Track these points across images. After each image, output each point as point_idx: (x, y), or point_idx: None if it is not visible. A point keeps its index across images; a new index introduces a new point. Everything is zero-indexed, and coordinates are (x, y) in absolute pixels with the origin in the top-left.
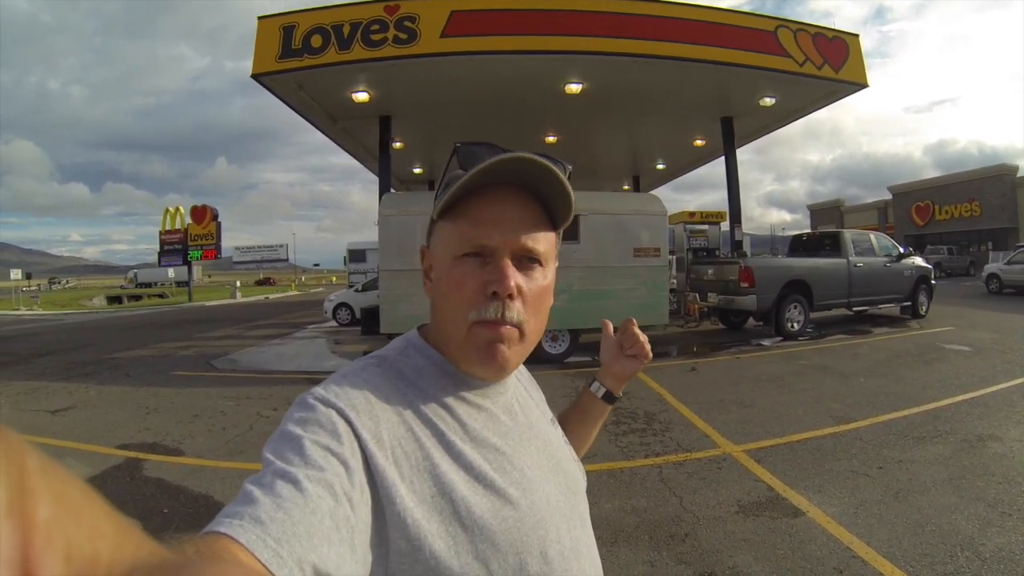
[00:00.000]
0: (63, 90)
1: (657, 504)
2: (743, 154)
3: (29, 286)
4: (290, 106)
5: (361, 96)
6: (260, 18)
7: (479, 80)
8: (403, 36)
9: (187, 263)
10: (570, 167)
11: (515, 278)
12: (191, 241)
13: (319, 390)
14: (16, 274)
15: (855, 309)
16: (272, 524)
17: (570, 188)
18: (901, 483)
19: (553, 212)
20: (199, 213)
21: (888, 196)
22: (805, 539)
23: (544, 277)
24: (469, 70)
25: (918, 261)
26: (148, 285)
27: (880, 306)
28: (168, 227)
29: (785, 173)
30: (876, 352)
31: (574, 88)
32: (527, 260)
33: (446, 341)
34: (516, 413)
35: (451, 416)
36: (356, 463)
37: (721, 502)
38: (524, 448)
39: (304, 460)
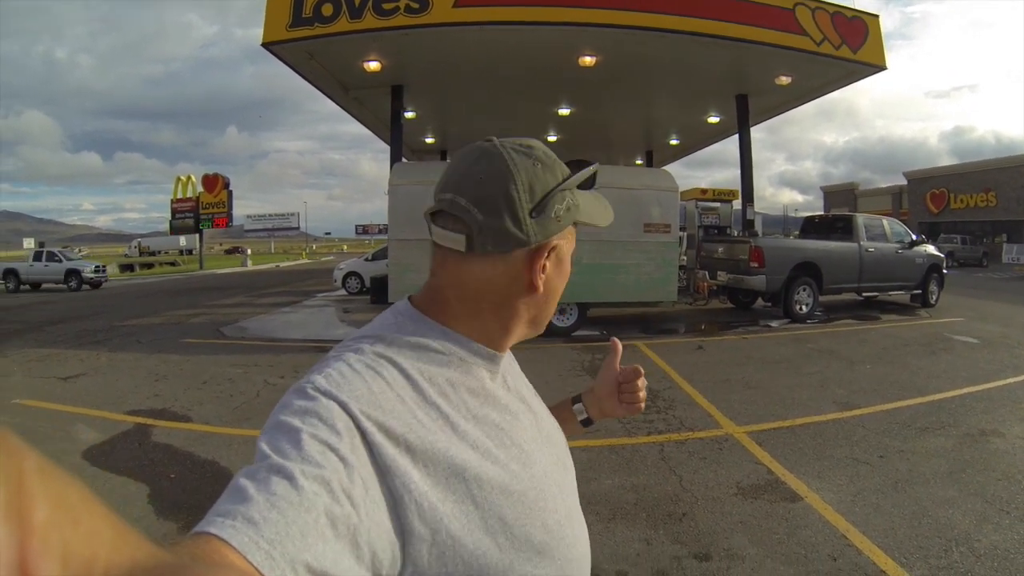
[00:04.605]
0: (71, 59)
1: (657, 482)
2: (755, 132)
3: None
4: (301, 75)
5: (373, 65)
6: None
7: (492, 50)
8: (415, 5)
9: (199, 231)
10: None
11: None
12: (203, 209)
13: (320, 379)
14: (29, 243)
15: (865, 294)
16: (265, 525)
17: None
18: (901, 473)
19: None
20: (211, 182)
21: (903, 181)
22: (801, 524)
23: None
24: (482, 40)
25: (930, 249)
26: (153, 253)
27: (890, 293)
28: (180, 195)
29: (798, 153)
30: (884, 339)
31: (588, 60)
32: None
33: (517, 328)
34: (510, 387)
35: (453, 394)
36: (357, 459)
37: (721, 483)
38: (519, 422)
39: (301, 455)
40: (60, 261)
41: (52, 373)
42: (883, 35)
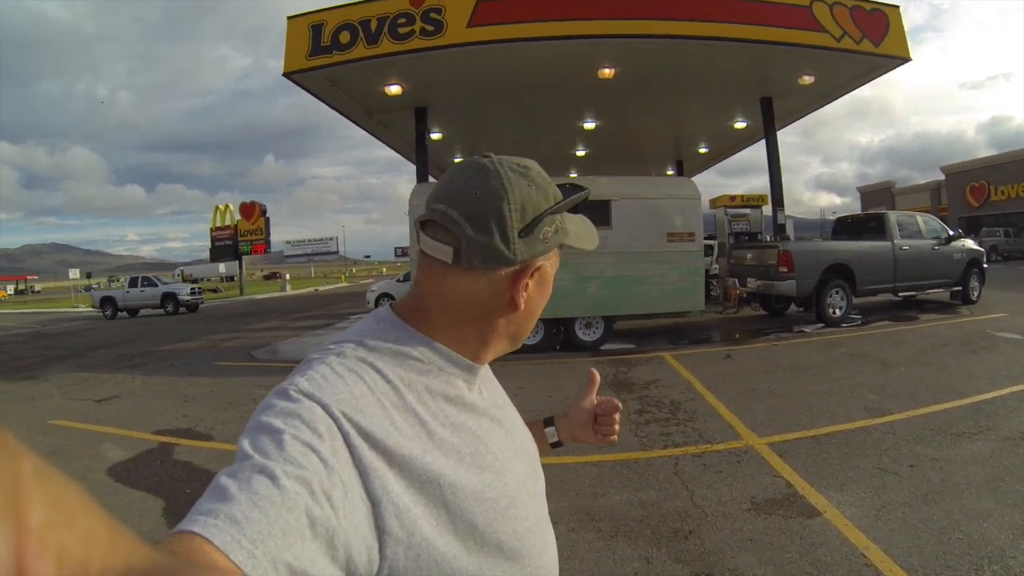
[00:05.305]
0: (112, 96)
1: (666, 497)
2: (789, 136)
3: (90, 285)
4: (325, 102)
5: (394, 89)
6: (289, 18)
7: (510, 68)
8: (429, 28)
9: (238, 258)
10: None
11: None
12: (241, 237)
13: (303, 382)
14: (74, 273)
15: (901, 294)
16: (248, 524)
17: None
18: (932, 484)
19: None
20: (248, 209)
21: (941, 177)
22: (817, 542)
23: None
24: (499, 59)
25: (969, 244)
26: (195, 281)
27: (928, 291)
28: (219, 224)
29: (833, 155)
30: (921, 339)
31: (607, 72)
32: None
33: (497, 343)
34: (485, 396)
35: (431, 401)
36: (337, 462)
37: (734, 498)
38: (494, 431)
39: (283, 455)
40: (155, 285)
41: (88, 395)
42: (910, 28)
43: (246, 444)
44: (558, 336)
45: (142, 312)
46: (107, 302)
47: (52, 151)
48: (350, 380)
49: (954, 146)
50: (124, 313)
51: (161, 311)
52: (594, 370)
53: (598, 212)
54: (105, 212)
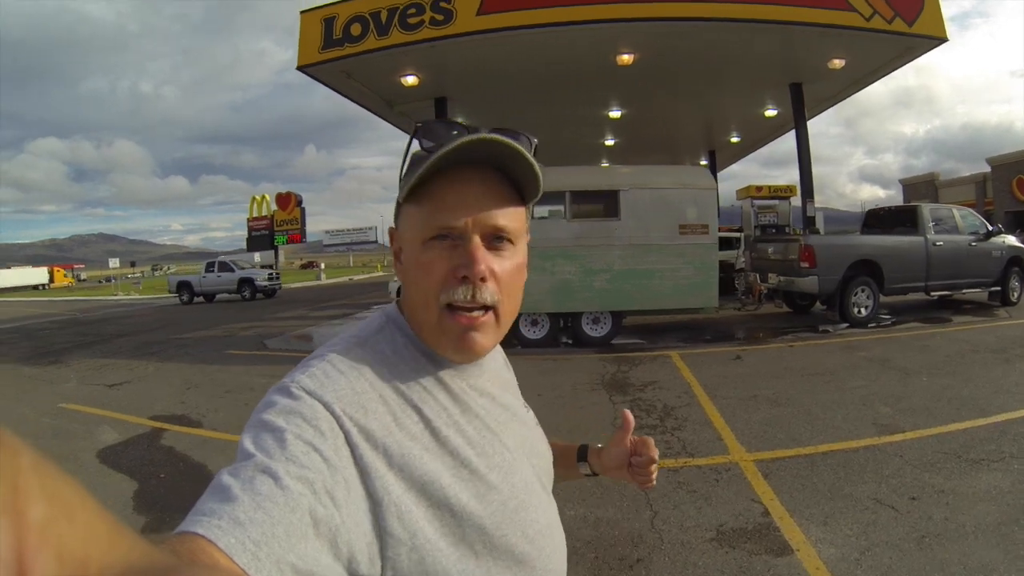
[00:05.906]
0: (156, 91)
1: (625, 517)
2: (832, 127)
3: (133, 273)
4: (343, 94)
5: (411, 80)
6: (302, 12)
7: (526, 56)
8: (439, 17)
9: (274, 247)
10: (535, 140)
11: (485, 260)
12: (277, 227)
13: (304, 379)
14: (115, 263)
15: (935, 294)
16: (251, 525)
17: (537, 164)
18: (933, 523)
19: (521, 188)
20: (284, 199)
21: (987, 169)
22: None
23: (515, 254)
24: (512, 47)
25: (1010, 240)
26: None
27: (964, 291)
28: (255, 214)
29: (876, 146)
30: (950, 345)
31: (626, 59)
32: (496, 239)
33: (419, 325)
34: (494, 395)
35: (434, 401)
36: (340, 460)
37: (700, 524)
38: (502, 430)
39: (285, 455)
40: (232, 271)
41: (101, 380)
42: (957, 13)
43: (248, 442)
44: (565, 331)
45: (219, 298)
46: (183, 287)
47: (98, 145)
48: (352, 377)
49: (1004, 137)
50: (200, 298)
51: (238, 296)
52: (627, 412)
53: (607, 202)
54: (151, 203)
